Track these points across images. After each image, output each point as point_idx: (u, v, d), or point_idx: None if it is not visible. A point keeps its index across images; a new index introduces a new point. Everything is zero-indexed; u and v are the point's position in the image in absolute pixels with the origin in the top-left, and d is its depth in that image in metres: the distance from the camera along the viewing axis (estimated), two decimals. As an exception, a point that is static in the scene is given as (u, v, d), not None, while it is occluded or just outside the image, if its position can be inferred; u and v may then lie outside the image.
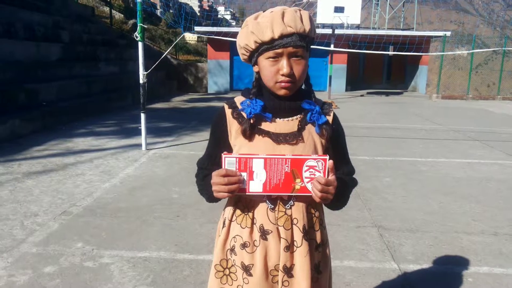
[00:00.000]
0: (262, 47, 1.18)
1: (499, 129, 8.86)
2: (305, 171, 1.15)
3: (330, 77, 14.48)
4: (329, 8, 13.69)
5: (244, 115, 1.24)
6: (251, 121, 1.23)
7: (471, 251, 3.14)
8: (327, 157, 1.16)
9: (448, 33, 16.85)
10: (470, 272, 2.82)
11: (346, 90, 17.80)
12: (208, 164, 1.33)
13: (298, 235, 1.24)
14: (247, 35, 1.20)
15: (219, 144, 1.28)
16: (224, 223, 1.33)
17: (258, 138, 1.23)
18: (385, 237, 3.33)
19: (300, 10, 1.20)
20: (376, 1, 22.64)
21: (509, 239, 3.36)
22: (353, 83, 18.81)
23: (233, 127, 1.27)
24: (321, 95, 14.06)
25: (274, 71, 1.19)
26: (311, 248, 1.27)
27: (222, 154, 1.16)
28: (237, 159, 1.15)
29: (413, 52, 12.46)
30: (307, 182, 1.16)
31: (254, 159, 1.14)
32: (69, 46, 10.86)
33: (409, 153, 6.38)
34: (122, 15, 20.22)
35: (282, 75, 1.18)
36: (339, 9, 13.54)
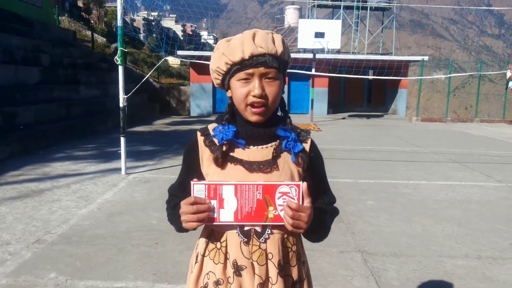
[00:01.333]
0: (233, 68, 1.14)
1: (478, 151, 9.00)
2: (278, 198, 1.09)
3: (312, 100, 14.64)
4: (309, 33, 13.93)
5: (216, 142, 1.18)
6: (223, 148, 1.17)
7: (455, 275, 3.10)
8: (301, 182, 1.10)
9: (426, 58, 17.29)
10: (455, 297, 2.78)
11: (328, 113, 17.98)
12: (179, 192, 1.26)
13: (273, 271, 1.17)
14: (218, 57, 1.16)
15: (191, 172, 1.22)
16: (196, 259, 1.26)
17: (230, 166, 1.17)
18: (369, 262, 3.28)
19: (272, 33, 1.16)
20: (356, 27, 23.19)
21: (493, 262, 3.34)
22: (334, 106, 19.03)
23: (205, 155, 1.21)
24: (303, 118, 14.25)
25: (245, 93, 1.13)
26: (286, 285, 1.19)
27: (191, 181, 1.11)
28: (206, 185, 1.09)
29: (392, 76, 12.71)
30: (281, 210, 1.10)
31: (224, 185, 1.09)
32: (49, 70, 10.75)
33: (391, 175, 6.40)
34: (105, 39, 20.25)
35: (254, 96, 1.12)
36: (319, 35, 13.80)
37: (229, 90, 1.20)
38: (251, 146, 1.19)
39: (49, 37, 13.04)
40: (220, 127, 1.19)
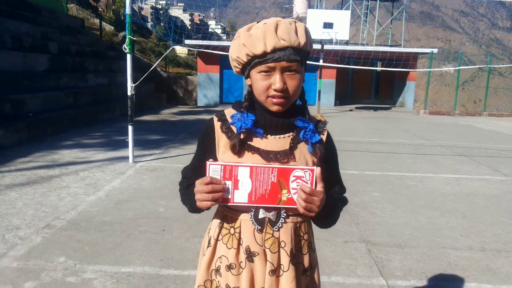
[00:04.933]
0: (254, 60, 1.13)
1: (485, 145, 8.96)
2: (292, 182, 1.10)
3: (319, 91, 14.59)
4: (318, 24, 13.84)
5: (234, 129, 1.19)
6: (241, 136, 1.17)
7: (458, 266, 3.12)
8: (315, 167, 1.11)
9: (435, 50, 17.14)
10: (458, 288, 2.80)
11: (335, 104, 17.92)
12: (193, 174, 1.28)
13: (285, 259, 1.19)
14: (239, 47, 1.15)
15: (205, 156, 1.22)
16: (209, 242, 1.28)
17: (247, 154, 1.18)
18: (373, 252, 3.31)
19: (295, 22, 1.14)
20: (365, 18, 22.98)
21: (497, 255, 3.36)
22: (341, 98, 18.96)
23: (222, 142, 1.22)
24: (310, 109, 14.31)
25: (266, 86, 1.13)
26: (298, 272, 1.22)
27: (207, 161, 1.12)
28: (222, 166, 1.11)
29: (401, 68, 12.62)
30: (294, 194, 1.11)
31: (240, 167, 1.11)
32: (57, 57, 10.79)
33: (397, 167, 6.40)
34: (113, 27, 20.24)
35: (275, 90, 1.12)
36: (328, 25, 13.72)
37: (249, 79, 1.19)
38: (269, 136, 1.20)
39: (57, 24, 13.07)
40: (239, 115, 1.20)
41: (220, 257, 1.23)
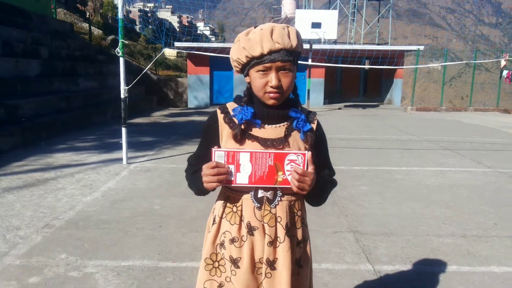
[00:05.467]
0: (253, 61, 1.30)
1: (470, 139, 9.21)
2: (286, 165, 1.28)
3: (309, 90, 14.79)
4: (306, 24, 14.04)
5: (236, 120, 1.36)
6: (242, 127, 1.34)
7: (441, 252, 3.31)
8: (307, 152, 1.29)
9: (421, 47, 17.44)
10: (440, 271, 2.98)
11: (324, 103, 18.15)
12: (197, 162, 1.43)
13: (281, 232, 1.36)
14: (239, 50, 1.32)
15: (209, 145, 1.36)
16: (214, 220, 1.44)
17: (247, 142, 1.35)
18: (360, 241, 3.48)
19: (288, 26, 1.31)
20: (352, 17, 23.25)
21: (477, 240, 3.55)
22: (331, 97, 19.19)
23: (224, 131, 1.38)
24: (299, 108, 14.36)
25: (263, 83, 1.30)
26: (292, 244, 1.39)
27: (212, 148, 1.28)
28: (226, 152, 1.28)
29: (388, 65, 12.86)
30: (289, 175, 1.28)
31: (241, 152, 1.27)
32: (48, 62, 10.86)
33: (385, 162, 6.60)
34: (101, 31, 20.27)
35: (271, 87, 1.29)
36: (316, 25, 13.92)
37: (248, 77, 1.36)
38: (266, 125, 1.37)
39: (47, 29, 13.11)
40: (240, 108, 1.37)
41: (224, 233, 1.40)
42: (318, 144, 1.43)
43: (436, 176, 5.76)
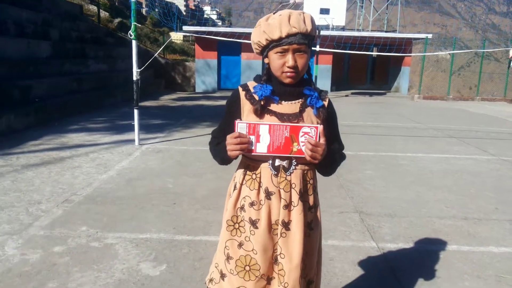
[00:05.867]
0: (272, 44, 1.45)
1: (476, 128, 9.31)
2: (301, 136, 1.43)
3: (316, 77, 14.82)
4: (314, 9, 14.04)
5: (256, 97, 1.51)
6: (262, 103, 1.50)
7: (442, 232, 3.47)
8: (319, 125, 1.44)
9: (430, 36, 17.38)
10: (441, 250, 3.15)
11: (331, 90, 18.19)
12: (221, 135, 1.59)
13: (295, 197, 1.53)
14: (259, 34, 1.47)
15: (232, 119, 1.51)
16: (235, 187, 1.60)
17: (266, 116, 1.51)
18: (365, 221, 3.65)
19: (303, 13, 1.47)
20: (361, 3, 23.10)
21: (477, 222, 3.70)
22: (338, 84, 19.22)
23: (246, 107, 1.54)
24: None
25: (281, 64, 1.46)
26: (305, 208, 1.55)
27: (236, 121, 1.44)
28: (247, 124, 1.43)
29: (395, 53, 12.88)
30: (303, 146, 1.44)
31: (261, 125, 1.43)
32: (59, 44, 10.98)
33: (390, 148, 6.73)
34: (108, 14, 20.27)
35: (288, 67, 1.45)
36: (324, 11, 13.92)
37: (267, 58, 1.51)
38: (283, 102, 1.52)
39: (56, 11, 13.20)
40: (259, 86, 1.52)
41: (244, 197, 1.56)
42: (329, 120, 1.58)
43: (441, 162, 5.89)
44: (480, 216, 3.86)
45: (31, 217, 3.54)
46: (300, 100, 1.54)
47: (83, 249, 2.99)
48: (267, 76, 1.54)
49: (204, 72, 17.63)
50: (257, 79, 1.58)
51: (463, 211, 3.99)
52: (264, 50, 1.51)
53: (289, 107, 1.52)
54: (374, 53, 14.51)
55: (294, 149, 1.45)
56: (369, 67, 21.02)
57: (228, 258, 1.58)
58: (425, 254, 3.09)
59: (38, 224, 3.40)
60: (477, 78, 21.19)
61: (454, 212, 3.93)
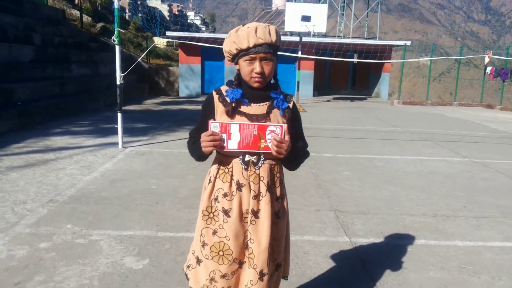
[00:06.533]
0: (241, 53, 1.64)
1: (451, 131, 9.65)
2: (267, 134, 1.61)
3: (298, 82, 15.08)
4: (296, 17, 14.30)
5: (228, 99, 1.69)
6: (233, 105, 1.68)
7: (412, 228, 3.68)
8: (284, 124, 1.63)
9: (408, 43, 17.85)
10: (409, 244, 3.35)
11: (314, 95, 18.49)
12: (197, 134, 1.75)
13: (263, 188, 1.70)
14: (230, 43, 1.65)
15: (207, 120, 1.68)
16: (210, 180, 1.77)
17: (237, 117, 1.68)
18: (340, 218, 3.84)
19: (269, 26, 1.67)
20: (342, 11, 23.56)
21: (446, 219, 3.93)
22: (320, 89, 19.54)
23: (219, 108, 1.71)
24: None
25: (249, 70, 1.64)
26: (272, 198, 1.73)
27: (209, 121, 1.61)
28: (220, 124, 1.61)
29: (376, 59, 13.23)
30: (269, 142, 1.62)
31: (232, 124, 1.61)
32: (42, 48, 11.00)
33: (367, 151, 6.97)
34: (90, 18, 20.23)
35: (256, 73, 1.64)
36: (306, 18, 14.18)
37: (237, 65, 1.70)
38: (252, 104, 1.70)
39: (39, 15, 13.18)
40: (231, 90, 1.71)
41: (218, 189, 1.73)
42: (293, 120, 1.77)
43: (415, 164, 6.15)
44: (449, 213, 4.09)
45: (16, 216, 3.63)
46: (267, 102, 1.72)
47: (69, 245, 3.10)
48: (238, 81, 1.72)
49: (187, 77, 17.74)
50: (229, 83, 1.76)
51: (432, 208, 4.21)
52: (235, 58, 1.69)
53: (258, 108, 1.70)
54: (355, 60, 14.84)
55: (262, 146, 1.62)
56: (350, 73, 21.42)
57: (204, 244, 1.74)
58: (394, 248, 3.29)
59: (24, 222, 3.49)
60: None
61: (424, 210, 4.16)
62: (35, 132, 7.35)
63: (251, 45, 1.60)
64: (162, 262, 2.89)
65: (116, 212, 3.81)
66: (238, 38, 1.62)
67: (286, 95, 1.77)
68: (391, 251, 3.24)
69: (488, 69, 17.38)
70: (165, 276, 2.72)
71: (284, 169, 1.83)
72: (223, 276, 1.70)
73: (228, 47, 1.67)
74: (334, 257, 3.08)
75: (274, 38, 1.63)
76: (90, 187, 4.51)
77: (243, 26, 1.66)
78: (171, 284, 2.63)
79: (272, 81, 1.75)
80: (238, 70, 1.71)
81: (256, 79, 1.64)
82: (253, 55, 1.62)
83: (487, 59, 17.31)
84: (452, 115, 13.56)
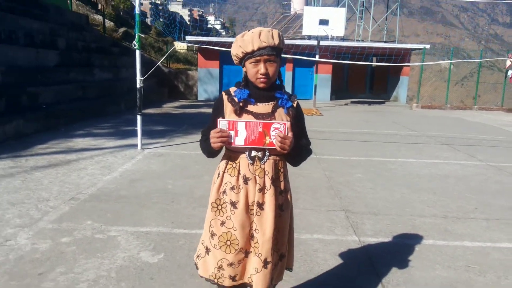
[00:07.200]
0: (247, 56, 1.77)
1: (468, 135, 9.57)
2: (272, 131, 1.73)
3: (315, 86, 15.17)
4: (314, 20, 14.41)
5: (236, 99, 1.83)
6: (240, 104, 1.82)
7: (421, 229, 3.73)
8: (287, 122, 1.75)
9: (428, 46, 17.70)
10: (417, 244, 3.41)
11: (331, 99, 18.50)
12: (208, 133, 1.87)
13: (268, 182, 1.82)
14: (236, 47, 1.80)
15: (217, 119, 1.81)
16: (219, 174, 1.90)
17: (244, 115, 1.82)
18: (350, 218, 3.92)
19: (272, 30, 1.79)
20: (360, 14, 23.52)
21: (456, 221, 3.97)
22: (337, 93, 19.53)
23: (228, 108, 1.85)
24: (306, 104, 14.65)
25: (255, 72, 1.78)
26: (276, 192, 1.85)
27: (218, 119, 1.74)
28: (228, 121, 1.74)
29: (393, 63, 13.20)
30: (274, 139, 1.74)
31: (239, 122, 1.74)
32: (66, 53, 11.36)
33: (381, 154, 7.01)
34: (112, 23, 20.72)
35: (261, 74, 1.77)
36: (323, 22, 14.27)
37: (244, 67, 1.83)
38: (258, 103, 1.83)
39: (63, 21, 13.61)
40: (239, 90, 1.85)
41: (226, 183, 1.86)
42: (297, 118, 1.89)
43: (429, 167, 6.16)
44: (459, 215, 4.12)
45: (40, 212, 3.83)
46: (272, 102, 1.85)
47: (88, 240, 3.27)
48: (245, 82, 1.86)
49: (206, 81, 17.99)
50: (237, 84, 1.90)
51: (443, 210, 4.25)
52: (241, 61, 1.83)
53: (263, 107, 1.83)
54: (373, 64, 14.85)
55: (267, 142, 1.74)
56: (368, 77, 21.34)
57: (212, 235, 1.87)
58: (402, 247, 3.36)
59: (47, 218, 3.69)
60: (480, 88, 21.41)
61: (435, 212, 4.20)
62: (58, 133, 7.64)
63: (255, 48, 1.73)
64: (176, 257, 3.03)
65: (133, 210, 3.98)
66: (243, 42, 1.76)
67: (290, 95, 1.89)
68: (399, 250, 3.31)
69: (510, 72, 17.11)
70: (179, 269, 2.86)
71: (289, 166, 1.95)
72: (230, 264, 1.83)
73: (235, 51, 1.81)
74: (342, 255, 3.17)
75: (276, 41, 1.75)
76: (109, 186, 4.70)
77: (248, 31, 1.80)
78: (184, 276, 2.77)
79: (278, 82, 1.88)
80: (245, 72, 1.84)
81: (261, 79, 1.77)
82: (258, 57, 1.74)
83: (508, 63, 17.04)
84: (471, 119, 13.41)
